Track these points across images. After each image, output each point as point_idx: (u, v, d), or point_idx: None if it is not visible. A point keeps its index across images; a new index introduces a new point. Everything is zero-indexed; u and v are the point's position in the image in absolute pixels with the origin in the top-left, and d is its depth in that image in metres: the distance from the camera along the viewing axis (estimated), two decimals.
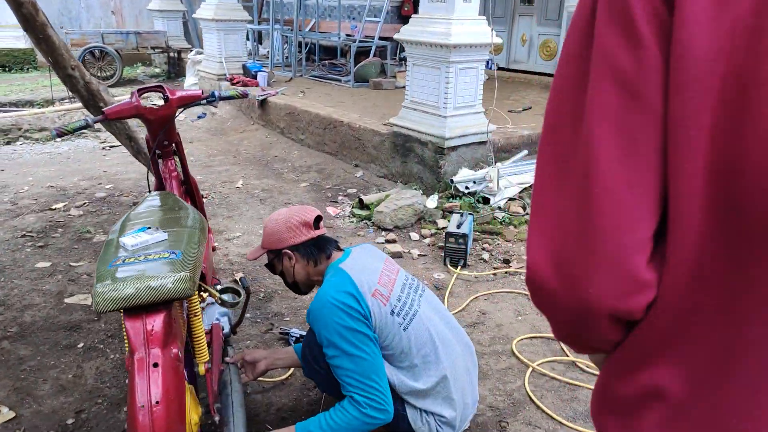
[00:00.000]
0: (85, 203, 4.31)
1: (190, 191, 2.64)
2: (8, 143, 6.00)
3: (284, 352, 2.15)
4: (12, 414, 2.10)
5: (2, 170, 5.14)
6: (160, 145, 2.34)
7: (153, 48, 10.07)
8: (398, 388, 1.76)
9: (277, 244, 1.89)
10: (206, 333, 2.10)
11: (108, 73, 9.67)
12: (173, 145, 2.40)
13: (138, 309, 1.41)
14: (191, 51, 9.22)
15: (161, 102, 2.26)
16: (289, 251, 1.88)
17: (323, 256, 1.89)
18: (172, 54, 10.34)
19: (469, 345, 1.98)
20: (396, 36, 4.41)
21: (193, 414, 1.66)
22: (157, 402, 1.36)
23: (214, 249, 2.83)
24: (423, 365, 1.78)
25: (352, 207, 4.25)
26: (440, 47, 3.99)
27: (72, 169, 5.20)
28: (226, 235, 3.78)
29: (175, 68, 10.23)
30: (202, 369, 1.68)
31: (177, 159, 2.47)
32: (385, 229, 3.87)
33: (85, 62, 9.44)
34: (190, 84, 8.28)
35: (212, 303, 2.22)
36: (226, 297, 1.66)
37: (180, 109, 2.27)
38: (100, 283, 1.39)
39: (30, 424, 2.06)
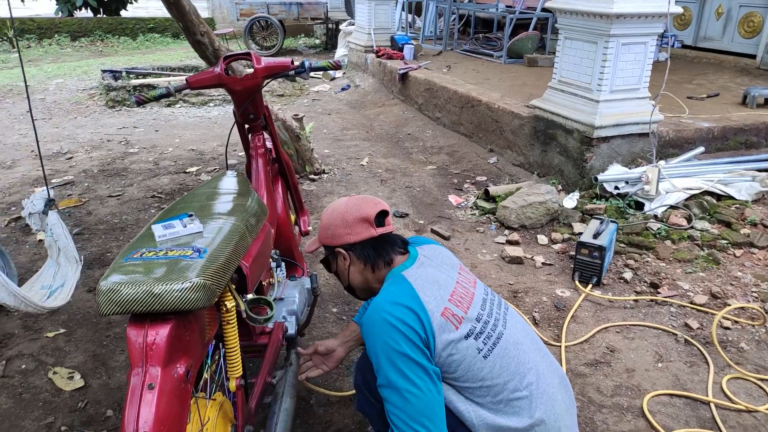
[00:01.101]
0: (216, 168, 4.41)
1: (282, 170, 2.43)
2: (169, 106, 6.47)
3: (350, 329, 1.86)
4: (81, 383, 2.09)
5: (156, 131, 5.51)
6: (246, 118, 2.13)
7: (313, 19, 10.30)
8: (476, 428, 1.37)
9: (331, 240, 1.58)
10: (265, 334, 1.89)
11: (271, 44, 10.10)
12: (262, 118, 2.19)
13: (144, 316, 1.18)
14: (346, 22, 9.24)
15: (250, 70, 2.04)
16: (343, 250, 1.55)
17: (382, 261, 1.53)
18: (330, 25, 10.50)
19: (566, 382, 1.51)
20: (548, 3, 3.79)
21: None
22: None
23: (306, 233, 2.61)
24: (510, 402, 1.37)
25: (477, 198, 3.79)
26: (599, 17, 3.32)
27: (214, 134, 5.41)
28: None
29: (333, 40, 10.38)
30: (232, 385, 1.44)
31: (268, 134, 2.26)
32: (509, 228, 3.38)
33: (252, 32, 9.96)
34: (340, 55, 8.28)
35: (280, 299, 1.99)
36: (253, 312, 1.38)
37: (267, 80, 2.04)
38: (106, 280, 1.18)
39: (94, 397, 2.03)
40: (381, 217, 1.55)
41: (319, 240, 1.63)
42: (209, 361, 1.54)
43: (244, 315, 1.33)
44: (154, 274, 1.20)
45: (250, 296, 1.39)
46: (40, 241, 3.09)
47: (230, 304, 1.33)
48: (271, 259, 1.99)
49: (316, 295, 1.92)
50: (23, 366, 2.19)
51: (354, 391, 2.05)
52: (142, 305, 1.15)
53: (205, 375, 1.53)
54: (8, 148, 4.93)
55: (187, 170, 4.37)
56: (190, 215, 1.45)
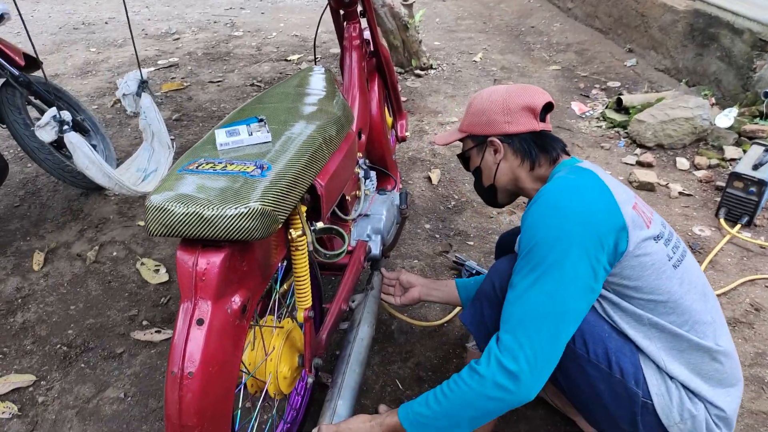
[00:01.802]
0: (318, 58, 4.15)
1: (380, 66, 2.12)
2: None
3: (443, 284, 1.66)
4: (166, 277, 2.07)
5: (262, 13, 5.28)
6: (341, 2, 1.81)
7: None
8: (653, 354, 1.13)
9: (484, 128, 1.32)
10: (347, 253, 1.70)
11: None
12: (360, 3, 1.86)
13: (196, 240, 1.01)
14: None
15: None
16: (498, 141, 1.29)
17: (545, 158, 1.28)
18: None
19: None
20: None
21: (283, 366, 1.30)
22: (191, 373, 0.99)
23: (403, 139, 2.33)
24: (696, 325, 1.13)
25: (606, 107, 3.25)
26: None
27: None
28: (440, 118, 3.23)
29: None
30: (300, 316, 1.27)
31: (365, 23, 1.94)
32: (641, 146, 2.87)
33: None
34: None
35: (365, 216, 1.78)
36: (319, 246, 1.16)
37: None
38: (157, 194, 1.01)
39: (176, 294, 2.00)
40: (546, 110, 1.30)
41: (464, 128, 1.38)
42: (278, 286, 1.38)
43: (311, 248, 1.12)
44: (208, 193, 1.00)
45: (319, 225, 1.17)
46: None
47: (296, 232, 1.12)
48: (358, 169, 1.76)
49: (404, 217, 1.68)
50: (114, 253, 2.21)
51: (438, 321, 1.86)
52: (191, 229, 0.97)
53: (274, 298, 1.39)
54: (122, 26, 4.97)
55: (289, 58, 4.16)
56: (260, 120, 1.22)
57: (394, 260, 2.13)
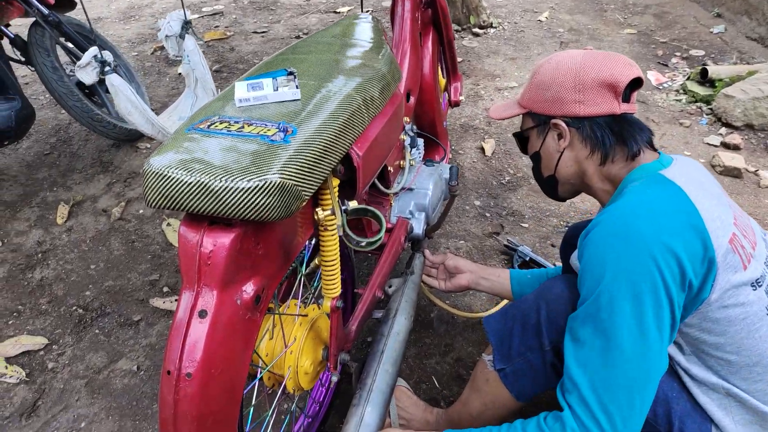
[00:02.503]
0: (370, 10, 3.88)
1: (436, 19, 1.86)
2: None
3: (495, 273, 1.45)
4: None
5: None
6: None
7: None
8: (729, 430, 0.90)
9: (549, 107, 1.06)
10: (387, 231, 1.51)
11: None
12: None
13: (203, 215, 0.83)
14: None
15: None
16: (564, 124, 1.04)
17: (622, 152, 1.01)
18: None
19: None
20: None
21: (304, 360, 1.14)
22: (189, 374, 0.83)
23: (456, 104, 2.09)
24: None
25: (688, 78, 2.89)
26: None
27: None
28: (498, 83, 2.95)
29: None
30: (326, 305, 1.10)
31: None
32: (728, 125, 2.53)
33: None
34: None
35: (408, 190, 1.57)
36: (351, 232, 0.95)
37: None
38: (157, 156, 0.83)
39: None
40: (632, 87, 1.02)
41: (524, 103, 1.12)
42: (304, 267, 1.21)
43: (340, 232, 0.92)
44: (218, 159, 0.81)
45: (352, 204, 0.97)
46: (181, 74, 2.93)
47: (323, 212, 0.92)
48: (404, 136, 1.54)
49: (453, 194, 1.46)
50: (140, 211, 2.08)
51: (482, 313, 1.66)
52: (195, 203, 0.78)
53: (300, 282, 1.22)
54: None
55: (338, 9, 3.90)
56: (290, 74, 1.01)
57: (437, 240, 1.92)
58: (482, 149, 2.40)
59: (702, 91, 2.73)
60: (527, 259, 1.80)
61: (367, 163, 1.07)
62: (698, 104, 2.70)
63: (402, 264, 1.80)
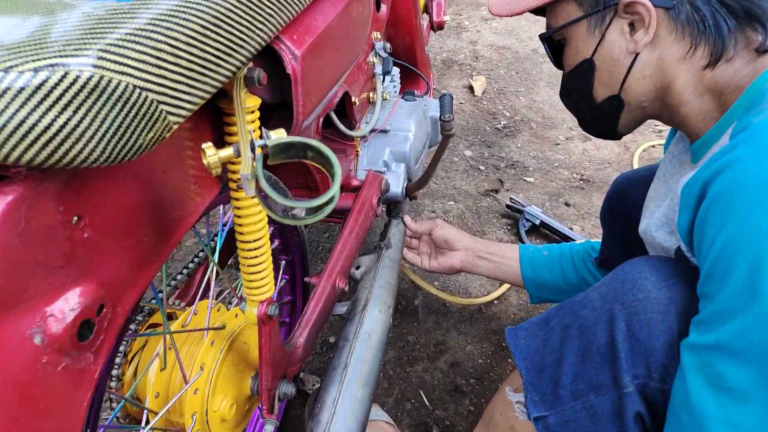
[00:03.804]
0: None
1: None
2: None
3: (499, 250, 1.06)
4: None
5: None
6: None
7: None
8: None
9: None
10: (349, 191, 1.07)
11: None
12: None
13: None
14: None
15: None
16: (649, 2, 0.61)
17: (745, 42, 0.61)
18: None
19: None
20: None
21: (218, 398, 0.70)
22: None
23: (440, 26, 1.63)
24: None
25: None
26: None
27: None
28: (483, 12, 2.47)
29: None
30: (251, 314, 0.66)
31: None
32: None
33: None
34: None
35: (382, 132, 1.12)
36: (270, 190, 0.50)
37: None
38: None
39: None
40: None
41: None
42: (217, 251, 0.77)
43: (251, 191, 0.46)
44: None
45: (275, 136, 0.50)
46: None
47: (211, 152, 0.46)
48: (373, 58, 1.10)
49: (447, 135, 1.02)
50: None
51: (489, 298, 1.24)
52: None
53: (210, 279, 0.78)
54: None
55: None
56: None
57: (420, 201, 1.49)
58: (470, 88, 1.95)
59: None
60: (537, 222, 1.38)
61: (312, 73, 0.62)
62: None
63: (375, 237, 1.37)
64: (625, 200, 0.89)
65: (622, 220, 0.90)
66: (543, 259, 1.04)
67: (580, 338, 0.60)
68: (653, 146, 1.68)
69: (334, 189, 0.45)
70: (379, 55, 1.12)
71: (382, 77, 1.16)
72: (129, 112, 0.37)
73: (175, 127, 0.43)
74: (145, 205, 0.49)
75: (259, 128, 0.49)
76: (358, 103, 1.05)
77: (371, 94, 1.13)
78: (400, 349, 1.14)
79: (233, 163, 0.56)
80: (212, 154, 0.45)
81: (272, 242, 0.91)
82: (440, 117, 1.00)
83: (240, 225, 0.60)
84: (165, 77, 0.39)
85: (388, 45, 1.17)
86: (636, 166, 1.63)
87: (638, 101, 0.68)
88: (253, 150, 0.47)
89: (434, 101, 1.24)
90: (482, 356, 1.14)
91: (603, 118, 0.73)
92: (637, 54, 0.65)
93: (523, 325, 0.68)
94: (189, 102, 0.42)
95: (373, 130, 1.10)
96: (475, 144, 1.70)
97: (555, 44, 0.75)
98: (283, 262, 0.95)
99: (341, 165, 1.08)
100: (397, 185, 1.09)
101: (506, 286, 1.26)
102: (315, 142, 0.46)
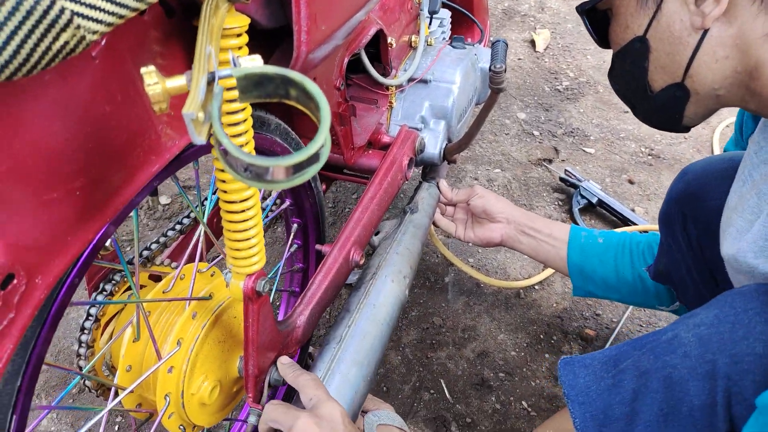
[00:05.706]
0: None
1: None
2: None
3: (546, 227, 0.91)
4: None
5: None
6: None
7: None
8: None
9: None
10: (378, 149, 0.94)
11: None
12: None
13: None
14: None
15: None
16: None
17: None
18: None
19: None
20: None
21: (197, 377, 0.60)
22: None
23: None
24: None
25: None
26: None
27: None
28: None
29: None
30: (236, 287, 0.54)
31: None
32: None
33: None
34: None
35: (421, 82, 0.96)
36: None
37: None
38: None
39: None
40: None
41: None
42: (207, 210, 0.66)
43: (200, 138, 0.34)
44: None
45: (246, 64, 0.37)
46: None
47: (149, 73, 0.33)
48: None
49: (497, 89, 0.85)
50: None
51: (530, 282, 1.10)
52: None
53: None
54: None
55: None
56: None
57: (462, 166, 1.33)
58: (532, 43, 1.74)
59: None
60: (593, 200, 1.21)
61: None
62: None
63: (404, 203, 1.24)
64: (700, 204, 0.71)
65: (695, 227, 0.73)
66: (596, 246, 0.88)
67: (665, 392, 0.45)
68: None
69: (319, 141, 0.31)
70: None
71: (428, 18, 1.00)
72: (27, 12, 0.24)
73: (93, 37, 0.30)
74: (75, 147, 0.37)
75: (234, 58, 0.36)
76: (395, 45, 0.90)
77: (413, 38, 0.98)
78: (424, 330, 1.02)
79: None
80: (153, 83, 0.32)
81: (283, 202, 0.79)
82: (490, 67, 0.84)
83: (222, 182, 0.48)
84: None
85: None
86: (716, 144, 1.41)
87: (710, 90, 0.52)
88: (212, 81, 0.34)
89: (487, 51, 1.07)
90: (515, 348, 1.00)
91: (662, 110, 0.57)
92: (706, 30, 0.48)
93: (583, 359, 0.53)
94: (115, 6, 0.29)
95: (411, 79, 0.95)
96: (531, 106, 1.52)
97: (599, 17, 0.58)
98: (295, 225, 0.83)
99: (371, 117, 0.94)
100: (434, 145, 0.95)
101: (551, 269, 1.11)
102: (298, 76, 0.32)
